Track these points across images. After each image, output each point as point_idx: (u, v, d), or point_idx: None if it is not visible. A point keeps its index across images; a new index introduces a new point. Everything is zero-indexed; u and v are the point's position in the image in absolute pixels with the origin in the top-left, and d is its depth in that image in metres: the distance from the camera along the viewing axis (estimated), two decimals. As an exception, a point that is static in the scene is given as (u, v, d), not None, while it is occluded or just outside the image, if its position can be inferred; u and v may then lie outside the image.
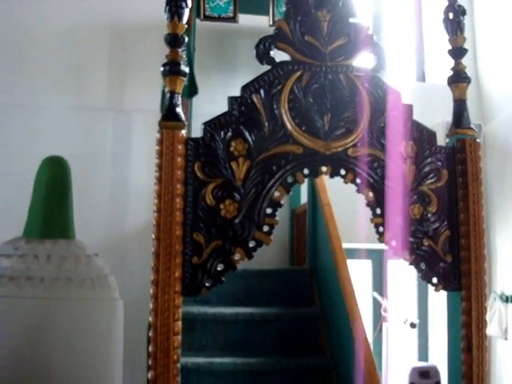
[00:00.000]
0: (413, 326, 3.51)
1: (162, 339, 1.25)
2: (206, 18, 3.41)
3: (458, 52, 1.51)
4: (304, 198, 3.81)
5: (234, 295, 3.00)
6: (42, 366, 4.15)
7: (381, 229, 1.40)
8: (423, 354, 4.21)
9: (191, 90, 3.08)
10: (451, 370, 1.47)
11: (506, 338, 3.70)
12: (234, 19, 3.43)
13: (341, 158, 1.39)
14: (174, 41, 1.39)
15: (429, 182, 1.44)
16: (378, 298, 3.75)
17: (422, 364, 4.02)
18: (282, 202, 1.35)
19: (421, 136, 1.46)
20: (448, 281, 1.42)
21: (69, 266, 4.23)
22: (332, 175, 1.40)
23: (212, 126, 1.36)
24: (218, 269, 1.31)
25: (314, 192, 3.26)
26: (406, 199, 1.42)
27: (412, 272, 4.46)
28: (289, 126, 1.38)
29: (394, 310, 4.00)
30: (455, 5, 1.52)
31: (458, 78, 1.50)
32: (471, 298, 1.40)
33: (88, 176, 3.77)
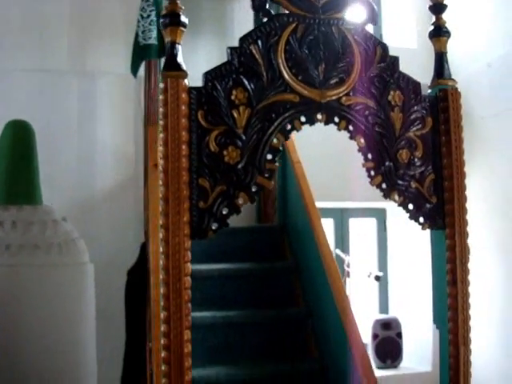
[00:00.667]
0: (377, 278, 3.69)
1: (174, 280, 1.31)
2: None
3: (438, 7, 1.59)
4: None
5: (208, 253, 3.06)
6: (12, 332, 4.13)
7: (372, 173, 1.49)
8: (384, 306, 4.41)
9: (161, 50, 3.07)
10: (436, 302, 1.59)
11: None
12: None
13: (334, 106, 1.46)
14: None
15: (415, 128, 1.53)
16: (341, 254, 3.90)
17: (384, 316, 4.23)
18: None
19: (407, 86, 1.54)
20: (433, 220, 1.53)
21: (35, 232, 4.19)
22: (326, 122, 1.47)
23: (213, 75, 1.40)
24: (224, 212, 1.37)
25: (283, 151, 3.34)
26: (394, 145, 1.51)
27: (372, 229, 4.65)
28: (286, 75, 1.43)
29: (357, 265, 4.18)
30: (435, -38, 1.60)
31: (439, 32, 1.59)
32: (455, 235, 1.52)
33: (53, 140, 3.73)
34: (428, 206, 1.53)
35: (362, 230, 4.59)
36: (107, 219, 3.78)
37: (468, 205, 1.54)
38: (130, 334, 3.05)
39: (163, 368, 1.31)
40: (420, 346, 4.18)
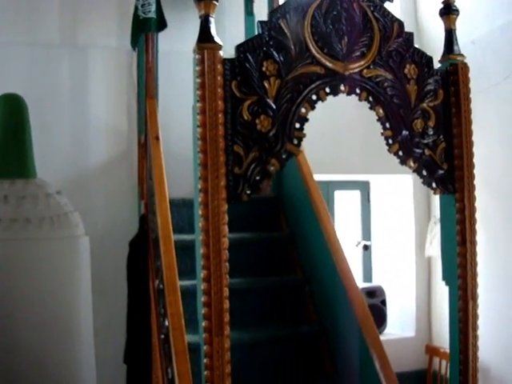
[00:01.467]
0: (366, 248, 3.84)
1: (214, 241, 1.40)
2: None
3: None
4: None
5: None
6: (4, 305, 4.17)
7: (390, 141, 1.60)
8: (368, 275, 4.58)
9: (160, 23, 3.11)
10: (446, 261, 1.71)
11: (444, 257, 4.12)
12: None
13: (356, 78, 1.56)
14: None
15: (428, 100, 1.65)
16: (329, 225, 4.03)
17: (369, 285, 4.40)
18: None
19: (421, 60, 1.65)
20: (445, 185, 1.65)
21: (27, 206, 4.21)
22: (349, 93, 1.57)
23: (245, 47, 1.48)
24: (257, 178, 1.47)
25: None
26: (410, 115, 1.62)
27: (356, 201, 4.79)
28: (312, 48, 1.52)
29: (343, 235, 4.32)
30: None
31: (449, 11, 1.70)
32: (464, 199, 1.65)
33: (46, 114, 3.71)
34: (440, 172, 1.65)
35: (346, 202, 4.73)
36: (102, 193, 3.80)
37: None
38: (132, 305, 3.12)
39: (204, 324, 1.40)
40: (403, 312, 4.38)
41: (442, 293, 4.17)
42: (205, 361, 1.41)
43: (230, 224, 3.11)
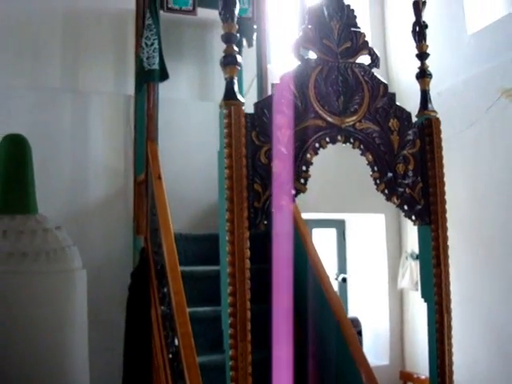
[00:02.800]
0: (344, 280, 4.16)
1: (239, 261, 1.70)
2: (169, 9, 3.77)
3: (423, 55, 2.09)
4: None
5: (201, 257, 3.42)
6: (2, 335, 4.36)
7: (378, 181, 1.95)
8: (345, 306, 4.89)
9: (162, 74, 3.44)
10: (423, 282, 2.04)
11: (416, 290, 4.47)
12: (193, 12, 3.84)
13: (351, 130, 1.91)
14: (229, 37, 1.81)
15: (408, 148, 2.01)
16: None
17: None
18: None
19: (402, 115, 2.01)
20: (422, 217, 2.00)
21: (24, 241, 4.47)
22: (344, 142, 1.92)
23: (262, 104, 1.82)
24: (271, 210, 1.79)
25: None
26: (393, 160, 1.97)
27: (332, 238, 5.13)
28: (315, 105, 1.87)
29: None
30: (421, 21, 2.10)
31: (424, 74, 2.09)
32: (438, 229, 1.99)
33: (48, 154, 3.99)
34: (418, 207, 2.00)
35: (324, 239, 5.08)
36: (99, 228, 4.05)
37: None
38: (132, 331, 3.34)
39: (230, 331, 1.69)
40: (378, 341, 4.68)
41: (413, 322, 4.52)
42: (230, 363, 1.69)
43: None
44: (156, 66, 3.38)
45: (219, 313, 3.09)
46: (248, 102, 4.49)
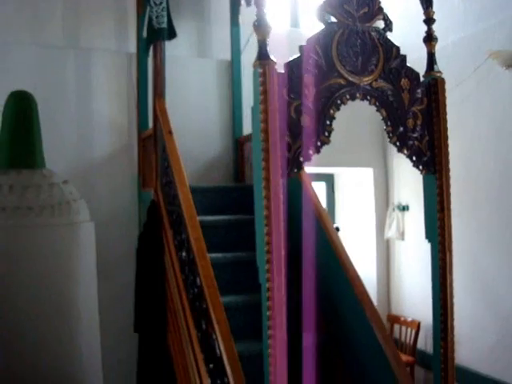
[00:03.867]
0: (337, 229, 4.43)
1: (274, 205, 1.92)
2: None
3: (430, 21, 2.31)
4: (247, 129, 4.53)
5: (213, 206, 3.63)
6: (7, 290, 4.60)
7: (390, 135, 2.18)
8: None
9: (170, 33, 3.57)
10: (428, 224, 2.30)
11: (402, 239, 4.80)
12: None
13: (368, 88, 2.13)
14: (260, 1, 1.98)
15: (416, 105, 2.23)
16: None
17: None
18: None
19: (411, 75, 2.23)
20: (428, 167, 2.25)
21: (30, 195, 4.66)
22: (362, 99, 2.13)
23: (292, 64, 2.01)
24: (300, 160, 2.01)
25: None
26: (404, 116, 2.20)
27: (322, 191, 5.39)
28: (338, 66, 2.08)
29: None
30: (428, -14, 2.30)
31: (431, 38, 2.30)
32: (442, 177, 2.24)
33: (54, 111, 4.12)
34: (424, 158, 2.24)
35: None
36: (105, 182, 4.23)
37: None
38: (143, 277, 3.57)
39: (266, 267, 1.93)
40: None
41: (399, 269, 4.86)
42: (267, 294, 1.93)
43: (228, 207, 3.63)
44: (164, 25, 3.52)
45: (229, 259, 3.36)
46: (246, 56, 4.66)
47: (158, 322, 3.42)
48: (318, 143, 2.04)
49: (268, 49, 1.99)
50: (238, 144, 4.54)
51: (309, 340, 3.12)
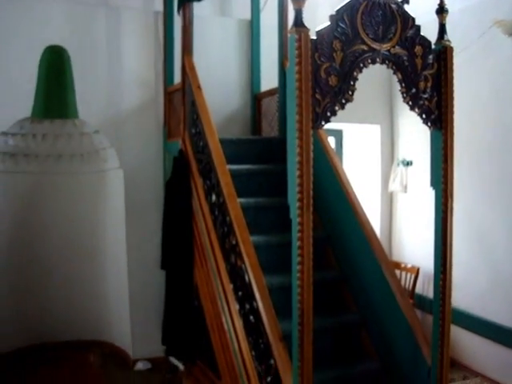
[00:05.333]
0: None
1: (305, 151, 2.27)
2: None
3: (442, -6, 2.61)
4: (265, 85, 4.84)
5: (236, 156, 3.95)
6: (39, 232, 5.03)
7: (404, 95, 2.52)
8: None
9: (199, -6, 3.85)
10: (434, 173, 2.66)
11: (405, 192, 5.18)
12: None
13: (387, 54, 2.45)
14: None
15: (427, 69, 2.56)
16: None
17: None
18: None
19: (424, 43, 2.55)
20: (435, 124, 2.59)
21: (61, 144, 5.05)
22: (381, 63, 2.46)
23: (322, 31, 2.33)
24: (328, 114, 2.35)
25: (284, 78, 4.31)
26: (417, 79, 2.54)
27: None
28: (361, 33, 2.40)
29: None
30: (443, -35, 2.60)
31: (442, 10, 2.62)
32: (447, 133, 2.60)
33: (86, 65, 4.42)
34: (433, 116, 2.59)
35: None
36: (133, 133, 4.57)
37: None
38: (171, 218, 3.94)
39: (297, 204, 2.29)
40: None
41: (401, 220, 5.26)
42: (297, 235, 2.30)
43: (250, 158, 4.00)
44: (194, -13, 3.79)
45: (251, 204, 3.72)
46: (265, 15, 4.95)
47: (186, 259, 3.82)
48: (343, 101, 2.38)
49: (303, 17, 2.31)
50: (256, 100, 4.87)
51: (322, 275, 3.51)
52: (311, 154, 2.32)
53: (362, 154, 5.56)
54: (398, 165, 5.22)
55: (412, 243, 5.12)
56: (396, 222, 5.35)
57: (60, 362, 4.80)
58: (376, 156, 5.43)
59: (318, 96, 2.32)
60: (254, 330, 2.88)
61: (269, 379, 2.73)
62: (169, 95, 4.49)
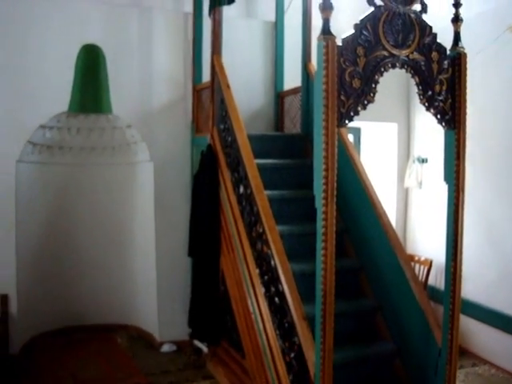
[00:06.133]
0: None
1: (331, 147, 2.52)
2: None
3: (457, 5, 2.84)
4: (287, 84, 5.09)
5: (261, 151, 4.18)
6: (71, 220, 5.34)
7: (421, 97, 2.75)
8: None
9: (230, -1, 4.10)
10: (447, 169, 2.89)
11: (420, 188, 5.41)
12: None
13: (405, 59, 2.68)
14: None
15: (443, 74, 2.79)
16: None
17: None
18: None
19: (440, 49, 2.78)
20: (450, 124, 2.82)
21: (94, 137, 5.35)
22: (401, 68, 2.70)
23: (347, 39, 2.56)
24: (351, 114, 2.59)
25: (308, 79, 4.56)
26: (433, 82, 2.77)
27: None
28: (383, 40, 2.63)
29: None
30: (457, -25, 2.83)
31: (457, 20, 2.84)
32: (460, 132, 2.83)
33: (120, 63, 4.69)
34: (447, 116, 2.82)
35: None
36: (164, 128, 4.85)
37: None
38: (199, 208, 4.21)
39: (322, 193, 2.54)
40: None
41: (415, 214, 5.48)
42: (322, 218, 2.55)
43: (275, 153, 4.26)
44: (226, -9, 4.04)
45: (275, 196, 3.98)
46: (289, 17, 5.19)
47: (213, 247, 4.09)
48: (365, 102, 2.62)
49: (330, 25, 2.55)
50: (279, 98, 5.12)
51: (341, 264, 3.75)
52: (336, 150, 2.56)
53: (379, 151, 5.79)
54: (414, 162, 5.45)
55: (426, 237, 5.34)
56: (411, 216, 5.58)
57: (88, 343, 5.10)
58: (393, 153, 5.65)
59: (342, 97, 2.56)
60: (279, 310, 3.14)
61: (292, 355, 2.98)
62: (197, 93, 4.75)
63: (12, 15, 4.35)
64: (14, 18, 4.34)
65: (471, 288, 4.71)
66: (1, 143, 4.36)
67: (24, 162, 4.63)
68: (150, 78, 4.80)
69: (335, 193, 2.58)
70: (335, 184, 2.57)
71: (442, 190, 4.85)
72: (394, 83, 5.32)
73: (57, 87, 4.50)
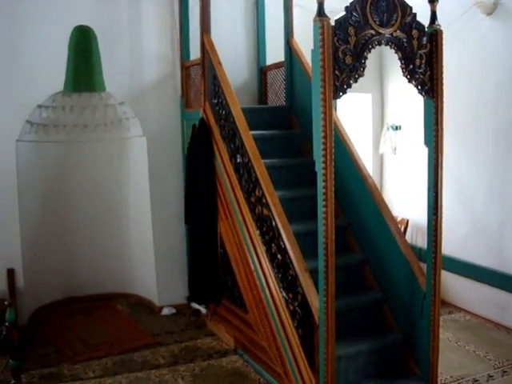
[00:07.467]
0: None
1: (329, 117, 2.86)
2: None
3: (434, -15, 3.18)
4: (269, 59, 5.38)
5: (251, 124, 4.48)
6: (66, 196, 5.60)
7: (404, 70, 3.10)
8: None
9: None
10: (427, 134, 3.27)
11: (394, 153, 5.81)
12: None
13: (390, 37, 3.02)
14: None
15: (422, 49, 3.15)
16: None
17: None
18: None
19: (419, 27, 3.13)
20: (429, 93, 3.19)
21: (86, 115, 5.59)
22: (386, 45, 3.04)
23: (340, 19, 2.88)
24: (344, 87, 2.93)
25: (291, 54, 4.87)
26: (413, 57, 3.12)
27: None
28: (370, 21, 2.96)
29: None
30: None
31: (434, 0, 3.19)
32: (438, 101, 3.20)
33: (111, 42, 4.89)
34: (426, 87, 3.18)
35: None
36: (154, 104, 5.09)
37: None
38: (193, 176, 4.51)
39: (321, 161, 2.88)
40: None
41: (391, 178, 5.90)
42: (322, 183, 2.89)
43: (263, 125, 4.58)
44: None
45: (267, 164, 4.29)
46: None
47: (210, 212, 4.41)
48: (356, 76, 2.96)
49: (325, 8, 2.86)
50: (262, 72, 5.41)
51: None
52: (332, 119, 2.91)
53: (355, 120, 6.16)
54: (388, 129, 5.84)
55: (401, 199, 5.77)
56: (386, 180, 6.00)
57: (91, 311, 5.39)
58: (368, 121, 6.03)
59: (337, 72, 2.89)
60: (282, 265, 3.50)
61: (296, 304, 3.36)
62: (186, 69, 5.01)
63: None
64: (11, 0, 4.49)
65: (446, 243, 5.13)
66: (2, 123, 4.54)
67: (23, 141, 4.83)
68: (140, 57, 5.02)
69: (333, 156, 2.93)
70: (333, 150, 2.92)
71: (414, 155, 5.31)
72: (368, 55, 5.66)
73: (53, 68, 4.68)
